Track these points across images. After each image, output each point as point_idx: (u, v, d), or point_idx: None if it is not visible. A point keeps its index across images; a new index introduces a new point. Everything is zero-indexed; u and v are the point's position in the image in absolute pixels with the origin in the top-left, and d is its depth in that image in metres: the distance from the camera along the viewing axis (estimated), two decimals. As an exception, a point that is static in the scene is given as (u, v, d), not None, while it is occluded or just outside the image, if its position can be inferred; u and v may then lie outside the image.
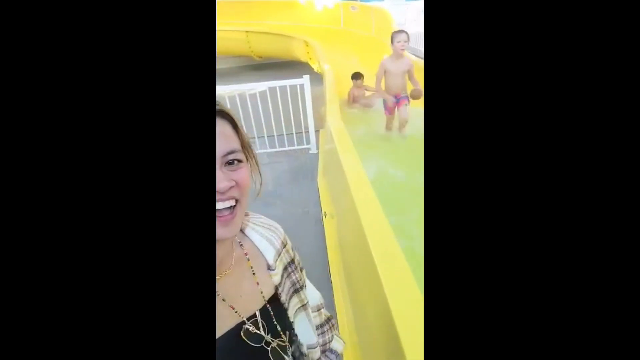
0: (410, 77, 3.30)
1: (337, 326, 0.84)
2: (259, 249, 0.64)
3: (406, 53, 3.30)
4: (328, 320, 0.80)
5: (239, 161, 0.52)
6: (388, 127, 3.56)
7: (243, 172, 0.53)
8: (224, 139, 0.51)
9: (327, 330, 0.79)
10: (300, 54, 6.40)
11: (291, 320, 0.66)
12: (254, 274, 0.62)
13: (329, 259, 2.26)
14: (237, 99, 3.68)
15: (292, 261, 0.69)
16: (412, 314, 0.85)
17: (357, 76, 4.21)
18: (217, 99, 0.47)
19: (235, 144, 0.52)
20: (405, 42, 3.15)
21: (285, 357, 0.62)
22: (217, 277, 0.57)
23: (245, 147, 0.55)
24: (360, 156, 1.87)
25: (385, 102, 3.44)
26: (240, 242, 0.63)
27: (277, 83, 3.72)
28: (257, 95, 3.82)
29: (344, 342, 0.82)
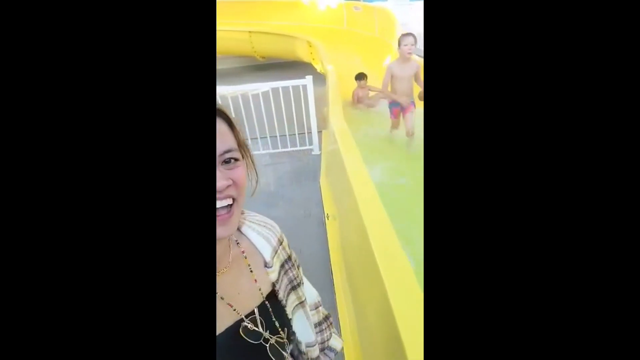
0: (417, 80, 3.25)
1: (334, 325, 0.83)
2: (255, 247, 0.64)
3: (413, 56, 3.21)
4: (326, 318, 0.80)
5: (236, 160, 0.52)
6: (394, 126, 3.52)
7: (240, 171, 0.53)
8: (221, 138, 0.51)
9: (326, 328, 0.79)
10: (303, 55, 6.42)
11: (289, 317, 0.66)
12: (251, 271, 0.62)
13: (331, 261, 2.26)
14: (240, 100, 3.69)
15: (289, 258, 0.70)
16: (414, 315, 0.85)
17: (360, 77, 4.21)
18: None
19: (231, 142, 0.52)
20: (412, 45, 3.07)
21: (284, 353, 0.62)
22: None
23: (242, 145, 0.55)
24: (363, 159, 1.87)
25: (390, 106, 3.37)
26: (237, 240, 0.63)
27: (279, 83, 3.72)
28: (260, 95, 3.82)
29: (342, 340, 0.82)
